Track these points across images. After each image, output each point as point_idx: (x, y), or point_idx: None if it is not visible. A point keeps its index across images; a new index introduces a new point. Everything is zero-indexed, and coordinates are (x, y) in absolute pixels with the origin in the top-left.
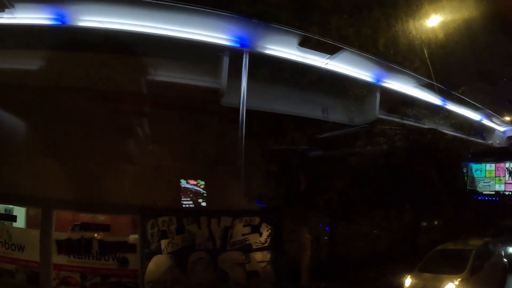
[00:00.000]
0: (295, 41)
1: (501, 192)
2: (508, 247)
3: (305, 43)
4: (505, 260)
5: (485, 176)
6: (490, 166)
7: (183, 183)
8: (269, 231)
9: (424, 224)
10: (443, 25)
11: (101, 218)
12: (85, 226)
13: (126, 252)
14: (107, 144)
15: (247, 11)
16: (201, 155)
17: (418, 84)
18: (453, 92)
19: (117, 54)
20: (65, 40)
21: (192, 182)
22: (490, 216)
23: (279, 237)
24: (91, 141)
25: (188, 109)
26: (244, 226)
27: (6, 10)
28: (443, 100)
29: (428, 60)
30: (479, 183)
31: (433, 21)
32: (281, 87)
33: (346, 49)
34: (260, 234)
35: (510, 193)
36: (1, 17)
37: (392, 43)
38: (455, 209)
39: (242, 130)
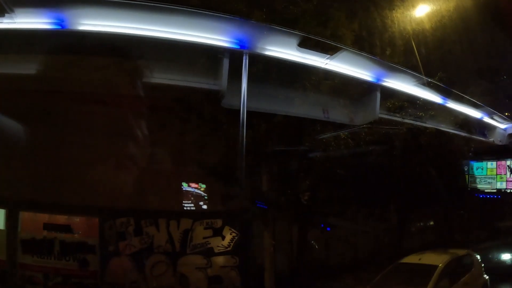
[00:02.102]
0: (294, 41)
1: (503, 190)
2: (502, 253)
3: (305, 44)
4: (486, 277)
5: (487, 174)
6: (491, 164)
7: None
8: (233, 234)
9: (418, 224)
10: (442, 23)
11: (63, 218)
12: (47, 227)
13: (86, 253)
14: (72, 146)
15: (246, 13)
16: (164, 155)
17: (418, 83)
18: (453, 90)
19: (117, 57)
20: (64, 44)
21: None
22: (492, 214)
23: (244, 241)
24: (57, 143)
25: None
26: (205, 228)
27: (6, 15)
28: (443, 99)
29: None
30: (480, 181)
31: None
32: (281, 88)
33: (346, 49)
34: (223, 238)
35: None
36: (1, 22)
37: (390, 41)
38: (455, 208)
39: (243, 131)
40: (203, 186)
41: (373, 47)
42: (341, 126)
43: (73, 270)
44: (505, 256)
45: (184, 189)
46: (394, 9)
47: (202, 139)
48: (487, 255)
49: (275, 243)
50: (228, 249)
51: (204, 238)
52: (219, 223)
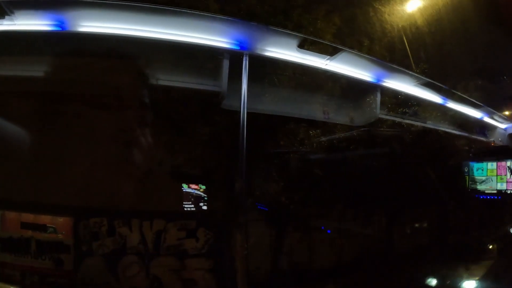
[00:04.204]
0: (294, 43)
1: (503, 191)
2: (465, 280)
3: (305, 45)
4: None
5: (487, 175)
6: (491, 165)
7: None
8: (207, 236)
9: (410, 226)
10: (442, 23)
11: (39, 218)
12: (24, 226)
13: (61, 252)
14: (47, 145)
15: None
16: (138, 156)
17: (418, 83)
18: (453, 91)
19: (117, 59)
20: (64, 46)
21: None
22: (492, 215)
23: (220, 243)
24: (35, 142)
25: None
26: (178, 230)
27: (6, 16)
28: (443, 99)
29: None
30: (480, 182)
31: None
32: (281, 89)
33: (346, 50)
34: (197, 239)
35: None
36: (1, 24)
37: (390, 42)
38: (452, 210)
39: (244, 133)
40: (203, 186)
41: (375, 48)
42: (322, 125)
43: (49, 270)
44: (468, 285)
45: (184, 190)
46: (395, 10)
47: (179, 139)
48: (445, 282)
49: (254, 246)
50: (203, 251)
51: (177, 239)
52: (192, 224)
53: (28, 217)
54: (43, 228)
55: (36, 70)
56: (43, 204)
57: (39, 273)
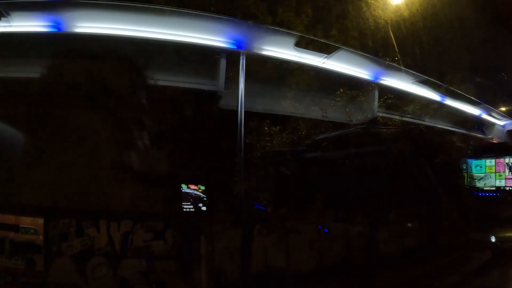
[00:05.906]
0: (291, 41)
1: (502, 188)
2: None
3: (301, 44)
4: None
5: (485, 172)
6: (490, 162)
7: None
8: (176, 238)
9: (399, 227)
10: (440, 20)
11: (10, 218)
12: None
13: (33, 253)
14: (20, 146)
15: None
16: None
17: (416, 81)
18: (451, 88)
19: (114, 59)
20: (62, 47)
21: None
22: (491, 212)
23: (189, 245)
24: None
25: None
26: (146, 231)
27: (2, 18)
28: (441, 96)
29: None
30: (479, 179)
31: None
32: (278, 88)
33: (343, 48)
34: (165, 241)
35: (511, 188)
36: None
37: (387, 39)
38: (447, 208)
39: (241, 132)
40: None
41: (373, 46)
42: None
43: (21, 270)
44: None
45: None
46: (393, 7)
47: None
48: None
49: (225, 248)
50: (171, 253)
51: (144, 241)
52: (160, 225)
53: (1, 218)
54: (15, 228)
55: (33, 71)
56: (14, 204)
57: (13, 273)
